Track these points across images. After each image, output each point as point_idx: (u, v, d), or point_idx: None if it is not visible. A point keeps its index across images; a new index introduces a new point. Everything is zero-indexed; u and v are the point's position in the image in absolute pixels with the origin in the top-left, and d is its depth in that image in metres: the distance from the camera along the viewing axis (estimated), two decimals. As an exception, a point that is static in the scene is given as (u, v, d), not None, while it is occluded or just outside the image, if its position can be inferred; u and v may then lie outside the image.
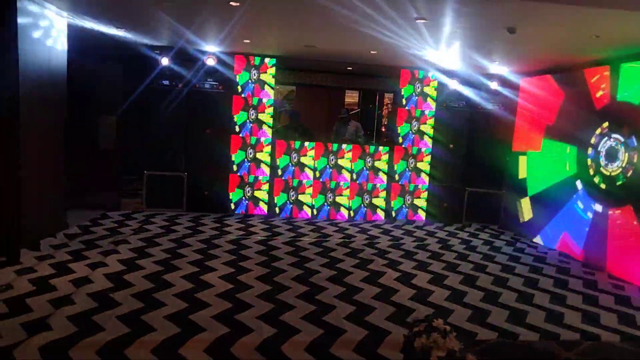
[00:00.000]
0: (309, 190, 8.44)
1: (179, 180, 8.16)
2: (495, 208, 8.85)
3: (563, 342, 3.99)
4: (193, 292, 4.62)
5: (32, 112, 5.41)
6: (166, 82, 8.04)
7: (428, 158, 8.73)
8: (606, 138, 6.36)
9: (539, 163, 7.83)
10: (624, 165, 6.01)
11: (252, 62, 8.11)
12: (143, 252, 5.78)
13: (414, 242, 7.16)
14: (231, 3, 4.72)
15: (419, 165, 8.72)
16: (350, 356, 3.65)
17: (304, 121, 9.32)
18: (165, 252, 5.85)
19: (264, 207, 8.38)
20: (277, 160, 8.32)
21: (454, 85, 8.54)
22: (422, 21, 4.98)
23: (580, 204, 6.77)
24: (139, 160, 8.18)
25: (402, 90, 8.56)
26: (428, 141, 8.70)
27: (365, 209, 8.62)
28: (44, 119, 5.74)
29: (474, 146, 8.89)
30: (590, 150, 6.63)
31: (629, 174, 5.93)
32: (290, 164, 8.36)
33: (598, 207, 6.41)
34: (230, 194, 8.29)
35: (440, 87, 8.62)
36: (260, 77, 8.14)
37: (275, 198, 8.39)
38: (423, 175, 8.75)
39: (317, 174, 8.43)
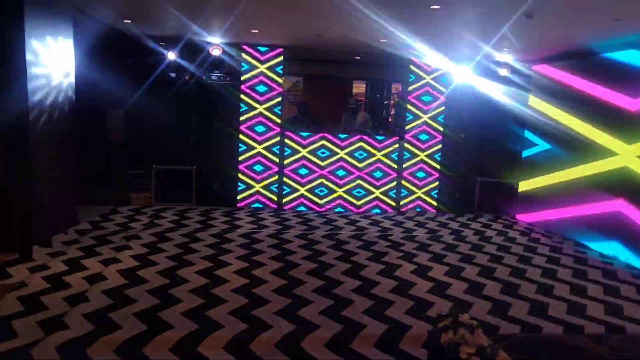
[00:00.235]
0: (318, 182, 8.35)
1: (188, 173, 8.08)
2: (508, 198, 8.73)
3: (591, 336, 3.90)
4: (208, 288, 4.56)
5: (41, 110, 5.33)
6: (173, 75, 7.94)
7: (438, 148, 8.61)
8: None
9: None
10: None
11: (259, 52, 7.98)
12: (155, 247, 5.72)
13: (427, 234, 7.07)
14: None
15: (429, 155, 8.60)
16: (371, 352, 3.58)
17: (311, 112, 9.20)
18: (177, 247, 5.79)
19: (273, 200, 8.30)
20: (285, 152, 8.23)
21: (464, 73, 8.39)
22: (436, 7, 4.84)
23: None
24: (147, 154, 8.12)
25: (411, 78, 8.42)
26: (438, 130, 8.57)
27: (375, 200, 8.52)
28: (53, 116, 5.65)
29: (486, 135, 8.76)
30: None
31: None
32: (298, 155, 8.26)
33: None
34: (240, 187, 8.21)
35: (450, 75, 8.46)
36: (268, 68, 8.02)
37: (284, 190, 8.31)
38: (433, 165, 8.64)
39: (326, 166, 8.33)
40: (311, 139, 8.26)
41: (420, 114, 8.48)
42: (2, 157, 5.10)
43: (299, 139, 8.24)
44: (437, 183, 8.69)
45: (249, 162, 8.17)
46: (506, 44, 7.02)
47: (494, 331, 3.88)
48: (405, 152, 8.53)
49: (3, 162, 5.10)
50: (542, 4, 4.57)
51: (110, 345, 3.44)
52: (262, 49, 7.97)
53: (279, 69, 8.06)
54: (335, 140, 8.32)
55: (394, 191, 8.57)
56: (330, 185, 8.37)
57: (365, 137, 8.42)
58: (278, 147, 8.19)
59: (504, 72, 8.38)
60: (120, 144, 8.12)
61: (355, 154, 8.38)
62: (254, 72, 8.01)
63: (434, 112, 8.51)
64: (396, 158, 8.52)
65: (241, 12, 5.73)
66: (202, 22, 6.49)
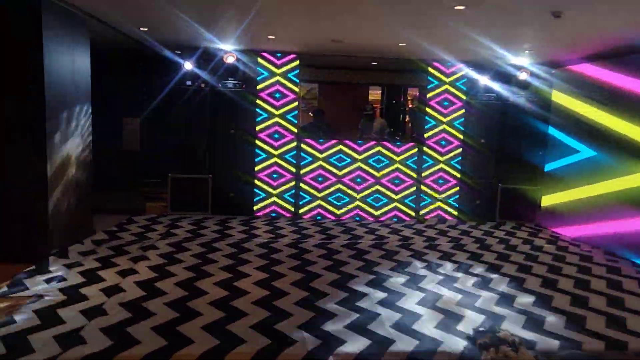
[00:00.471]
0: (335, 190, 8.19)
1: (204, 182, 7.98)
2: (530, 205, 8.47)
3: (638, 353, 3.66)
4: (228, 300, 4.41)
5: (57, 120, 5.27)
6: (189, 83, 7.87)
7: (458, 154, 8.40)
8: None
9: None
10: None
11: (275, 59, 7.88)
12: (173, 257, 5.59)
13: (450, 242, 6.85)
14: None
15: (449, 161, 8.40)
16: (402, 369, 3.39)
17: (327, 119, 9.07)
18: (195, 257, 5.66)
19: (290, 209, 8.15)
20: (302, 159, 8.09)
21: (483, 78, 8.19)
22: (461, 7, 4.67)
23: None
24: (163, 162, 8.05)
25: (432, 84, 8.25)
26: (457, 136, 8.37)
27: (394, 208, 8.33)
28: (69, 125, 5.59)
29: (506, 141, 8.54)
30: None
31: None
32: (315, 163, 8.11)
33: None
34: (256, 195, 8.08)
35: (469, 80, 8.27)
36: (283, 75, 7.91)
37: (301, 199, 8.16)
38: (453, 172, 8.43)
39: (343, 173, 8.17)
40: (328, 146, 8.12)
41: (439, 119, 8.29)
42: (19, 169, 5.03)
43: (315, 146, 8.10)
44: (457, 190, 8.47)
45: (266, 170, 8.05)
46: (528, 46, 6.83)
47: (531, 347, 3.66)
48: (424, 159, 8.34)
49: (20, 173, 5.03)
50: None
51: (129, 362, 3.30)
52: (278, 55, 7.87)
53: (294, 76, 7.94)
54: (352, 146, 8.16)
55: (413, 198, 8.37)
56: (348, 192, 8.21)
57: (383, 144, 8.26)
58: (295, 154, 8.05)
59: (523, 75, 8.15)
60: (136, 153, 8.05)
61: (373, 161, 8.21)
62: (269, 79, 7.91)
63: (452, 116, 8.30)
64: (415, 165, 8.33)
65: (258, 16, 5.63)
66: (217, 30, 6.41)
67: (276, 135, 7.99)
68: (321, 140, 8.12)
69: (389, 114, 11.17)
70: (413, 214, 8.37)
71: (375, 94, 12.19)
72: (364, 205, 8.25)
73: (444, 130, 8.32)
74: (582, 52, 6.88)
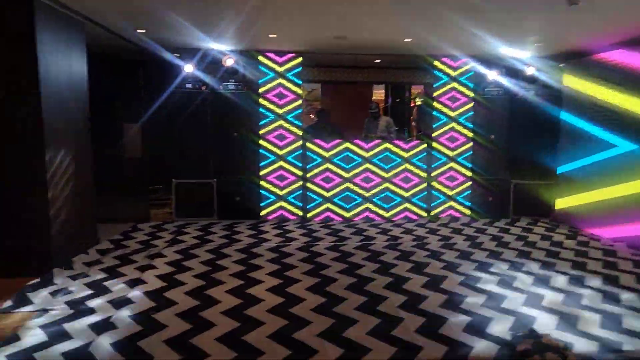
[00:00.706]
0: (344, 191, 7.97)
1: (209, 187, 7.77)
2: (545, 200, 8.25)
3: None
4: (242, 309, 4.20)
5: (56, 127, 5.06)
6: (189, 86, 7.67)
7: (468, 150, 8.18)
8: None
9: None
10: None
11: (277, 59, 7.69)
12: (181, 265, 5.38)
13: (466, 241, 6.63)
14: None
15: (459, 158, 8.18)
16: (434, 378, 3.17)
17: (331, 119, 8.87)
18: (204, 264, 5.45)
19: (298, 211, 7.94)
20: (308, 161, 7.88)
21: (490, 72, 7.99)
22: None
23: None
24: (166, 167, 7.86)
25: (437, 80, 8.04)
26: (466, 133, 8.15)
27: (404, 207, 8.11)
28: (68, 132, 5.38)
29: (517, 135, 8.33)
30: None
31: None
32: (322, 164, 7.90)
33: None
34: (263, 198, 7.87)
35: (477, 75, 8.07)
36: (286, 75, 7.71)
37: (309, 200, 7.94)
38: (463, 169, 8.21)
39: (351, 173, 7.96)
40: (334, 147, 7.91)
41: (447, 116, 8.08)
42: (17, 179, 4.83)
43: (321, 147, 7.89)
44: (469, 187, 8.25)
45: (271, 172, 7.84)
46: (535, 39, 6.62)
47: (569, 349, 3.43)
48: (433, 156, 8.13)
49: (18, 183, 4.83)
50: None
51: (142, 379, 3.09)
52: (280, 55, 7.67)
53: (297, 75, 7.74)
54: (358, 146, 7.96)
55: (424, 197, 8.15)
56: (357, 193, 7.99)
57: (390, 142, 8.05)
58: (300, 155, 7.85)
59: (531, 70, 7.94)
60: (138, 159, 7.85)
61: (381, 160, 8.00)
62: (272, 80, 7.71)
63: (460, 112, 8.08)
64: (424, 162, 8.11)
65: (259, 14, 5.45)
66: (218, 31, 6.22)
67: (281, 137, 7.79)
68: (326, 140, 7.91)
69: (394, 113, 10.96)
70: (425, 213, 8.15)
71: (378, 93, 12.00)
72: (373, 206, 8.03)
73: (452, 127, 8.11)
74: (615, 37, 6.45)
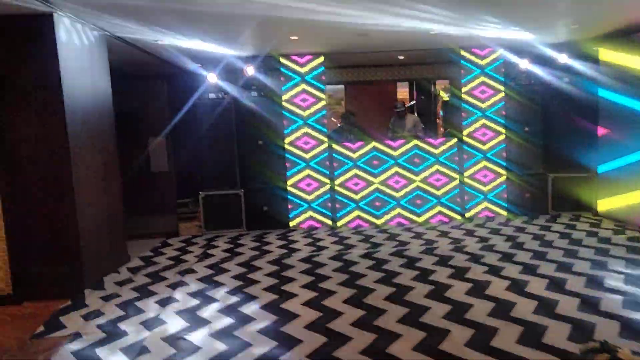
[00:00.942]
0: (373, 195, 7.72)
1: (236, 198, 7.65)
2: (585, 193, 7.82)
3: None
4: (278, 326, 4.01)
5: (82, 146, 5.01)
6: (212, 96, 7.59)
7: (501, 145, 7.82)
8: None
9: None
10: None
11: (299, 63, 7.52)
12: (212, 281, 5.24)
13: (507, 242, 6.30)
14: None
15: (492, 154, 7.83)
16: (492, 398, 2.91)
17: (357, 121, 8.65)
18: (235, 278, 5.29)
19: (327, 218, 7.74)
20: (335, 166, 7.67)
21: (521, 61, 7.62)
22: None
23: None
24: (193, 180, 7.79)
25: (463, 73, 7.72)
26: (498, 127, 7.79)
27: (437, 209, 7.81)
28: (95, 150, 5.33)
29: (552, 126, 7.93)
30: None
31: None
32: (349, 170, 7.68)
33: None
34: (291, 207, 7.70)
35: (506, 64, 7.71)
36: (309, 79, 7.54)
37: (338, 207, 7.73)
38: (497, 165, 7.85)
39: (380, 176, 7.70)
40: (361, 150, 7.68)
41: (477, 110, 7.75)
42: (46, 198, 4.77)
43: (348, 151, 7.67)
44: (503, 184, 7.89)
45: (298, 180, 7.66)
46: (572, 21, 6.24)
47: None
48: (465, 153, 7.80)
49: (47, 203, 4.78)
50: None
51: (178, 408, 2.92)
52: (301, 58, 7.51)
53: (320, 78, 7.56)
54: (386, 147, 7.71)
55: (457, 196, 7.84)
56: (387, 196, 7.73)
57: (419, 143, 7.77)
58: (327, 160, 7.65)
59: (563, 57, 7.52)
60: (165, 173, 7.80)
61: (411, 161, 7.73)
62: (294, 85, 7.55)
63: (491, 105, 7.73)
64: (456, 161, 7.80)
65: (281, 19, 5.32)
66: (240, 39, 6.10)
67: (306, 143, 7.61)
68: (353, 144, 7.69)
69: (420, 110, 10.65)
70: (459, 216, 7.82)
71: (402, 92, 11.70)
72: (404, 209, 7.76)
73: (483, 121, 7.77)
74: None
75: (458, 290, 4.60)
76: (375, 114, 10.36)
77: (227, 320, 4.17)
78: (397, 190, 7.73)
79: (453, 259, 5.64)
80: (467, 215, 7.83)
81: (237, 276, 5.37)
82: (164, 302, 4.64)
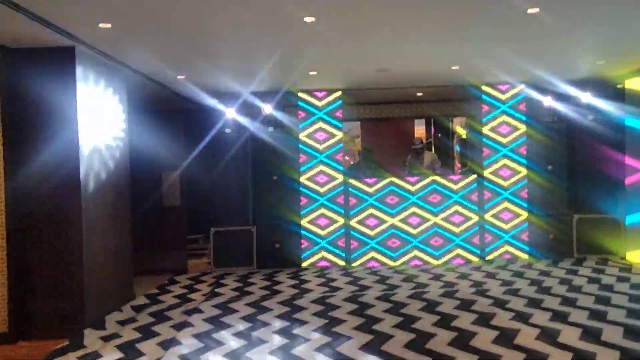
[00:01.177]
0: (389, 233, 7.43)
1: (248, 234, 7.43)
2: (613, 234, 7.44)
3: None
4: (288, 374, 3.69)
5: (94, 180, 4.89)
6: (229, 131, 7.52)
7: (523, 184, 7.54)
8: None
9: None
10: None
11: (316, 98, 7.45)
12: (219, 322, 4.95)
13: (531, 286, 5.93)
14: (305, 19, 4.05)
15: (514, 193, 7.54)
16: None
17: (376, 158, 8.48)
18: (244, 320, 4.99)
19: (341, 257, 7.44)
20: (351, 203, 7.45)
21: (544, 98, 7.46)
22: (535, 10, 4.05)
23: None
24: (204, 216, 7.63)
25: (484, 110, 7.56)
26: (520, 165, 7.53)
27: (456, 249, 7.47)
28: (107, 186, 5.20)
29: (577, 165, 7.67)
30: None
31: None
32: (365, 207, 7.44)
33: None
34: (304, 245, 7.44)
35: (530, 101, 7.55)
36: (326, 115, 7.44)
37: (353, 246, 7.44)
38: (519, 204, 7.54)
39: (397, 214, 7.43)
40: (378, 186, 7.47)
41: (498, 148, 7.53)
42: (54, 231, 4.61)
43: (364, 187, 7.46)
44: (526, 225, 7.55)
45: (312, 217, 7.44)
46: (597, 58, 6.09)
47: None
48: (485, 190, 7.53)
49: (54, 235, 4.61)
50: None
51: None
52: (320, 93, 7.44)
53: (337, 115, 7.46)
54: (404, 184, 7.48)
55: (477, 236, 7.50)
56: (404, 234, 7.44)
57: (438, 179, 7.53)
58: (343, 197, 7.44)
59: (586, 96, 7.35)
60: (177, 208, 7.63)
61: (428, 199, 7.48)
62: (311, 122, 7.45)
63: (511, 142, 7.49)
64: (475, 199, 7.52)
65: (300, 54, 5.29)
66: (260, 74, 6.08)
67: (322, 179, 7.44)
68: (370, 180, 7.48)
69: (437, 148, 10.47)
70: (477, 258, 7.46)
71: (419, 130, 11.57)
72: (422, 247, 7.44)
73: (504, 159, 7.54)
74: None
75: (485, 339, 4.23)
76: (391, 151, 10.19)
77: (233, 367, 3.86)
78: (414, 228, 7.43)
79: (475, 303, 5.28)
80: (491, 257, 7.45)
81: (246, 317, 5.07)
82: (166, 345, 4.35)
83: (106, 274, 5.13)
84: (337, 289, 6.13)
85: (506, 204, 7.53)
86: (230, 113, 7.34)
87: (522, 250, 7.54)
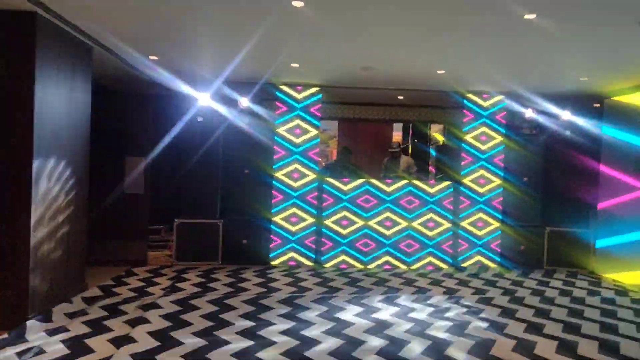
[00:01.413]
0: (361, 235, 7.22)
1: (214, 228, 7.06)
2: (582, 249, 7.47)
3: None
4: (251, 379, 3.39)
5: (46, 158, 4.44)
6: (201, 120, 7.14)
7: (498, 194, 7.48)
8: None
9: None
10: None
11: (295, 92, 7.17)
12: (178, 319, 4.59)
13: (504, 295, 5.82)
14: (293, 3, 3.77)
15: (488, 202, 7.46)
16: None
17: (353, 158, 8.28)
18: (205, 318, 4.65)
19: (310, 257, 7.18)
20: (324, 201, 7.20)
21: (524, 110, 7.44)
22: (532, 16, 3.93)
23: None
24: (169, 206, 7.22)
25: (464, 118, 7.46)
26: (496, 175, 7.46)
27: (429, 255, 7.33)
28: (62, 166, 4.75)
29: (552, 179, 7.68)
30: None
31: None
32: (339, 206, 7.21)
33: None
34: (272, 242, 7.13)
35: (509, 112, 7.51)
36: (304, 111, 7.18)
37: (323, 246, 7.19)
38: (492, 215, 7.47)
39: (370, 216, 7.23)
40: (353, 187, 7.25)
41: (475, 156, 7.44)
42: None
43: (339, 187, 7.23)
44: (497, 235, 7.48)
45: (285, 214, 7.14)
46: (584, 74, 6.07)
47: None
48: (460, 199, 7.42)
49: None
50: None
51: None
52: (299, 89, 7.17)
53: (315, 113, 7.20)
54: (380, 186, 7.29)
55: (450, 244, 7.38)
56: (376, 237, 7.24)
57: (414, 183, 7.38)
58: (316, 195, 7.18)
59: (566, 114, 7.41)
60: (140, 196, 7.17)
61: (404, 202, 7.31)
62: (289, 117, 7.16)
63: (489, 152, 7.42)
64: (450, 206, 7.40)
65: (284, 44, 5.01)
66: (238, 57, 5.73)
67: (295, 175, 7.16)
68: (346, 180, 7.26)
69: (414, 154, 10.38)
70: (447, 266, 7.34)
71: (396, 135, 11.47)
72: (394, 251, 7.26)
73: (481, 168, 7.45)
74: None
75: (459, 349, 4.04)
76: (368, 153, 10.04)
77: (191, 368, 3.53)
78: (387, 231, 7.25)
79: (450, 310, 5.11)
80: (458, 265, 7.35)
81: (208, 315, 4.73)
82: (118, 342, 3.97)
83: (55, 262, 4.68)
84: (306, 289, 5.86)
85: (480, 214, 7.45)
86: (204, 100, 6.97)
87: (492, 260, 7.47)
